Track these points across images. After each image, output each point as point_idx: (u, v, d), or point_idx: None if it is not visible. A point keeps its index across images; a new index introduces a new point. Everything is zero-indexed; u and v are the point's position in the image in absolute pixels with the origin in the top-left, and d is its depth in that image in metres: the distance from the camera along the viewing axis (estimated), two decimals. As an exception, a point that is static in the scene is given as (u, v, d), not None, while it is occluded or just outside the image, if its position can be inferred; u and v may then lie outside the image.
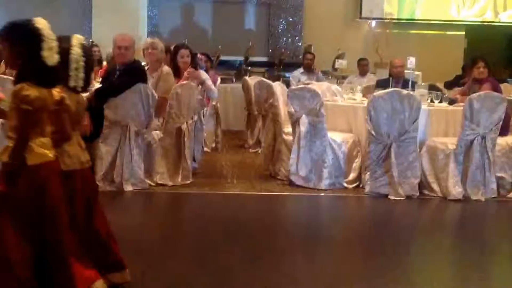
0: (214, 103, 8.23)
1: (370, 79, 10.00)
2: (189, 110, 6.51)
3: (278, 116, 6.90)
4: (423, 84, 7.62)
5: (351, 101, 7.18)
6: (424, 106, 6.43)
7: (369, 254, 4.60)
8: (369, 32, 12.66)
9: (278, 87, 7.38)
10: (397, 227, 5.40)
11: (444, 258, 4.69)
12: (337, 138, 6.52)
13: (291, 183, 6.47)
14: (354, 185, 6.49)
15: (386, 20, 12.36)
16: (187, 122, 6.45)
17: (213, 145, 8.42)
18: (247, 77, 9.64)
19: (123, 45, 6.09)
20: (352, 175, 6.53)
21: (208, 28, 13.83)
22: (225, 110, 9.81)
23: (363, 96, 7.36)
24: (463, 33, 13.99)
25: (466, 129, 6.11)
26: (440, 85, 10.54)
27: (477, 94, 6.26)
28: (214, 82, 7.95)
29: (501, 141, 6.41)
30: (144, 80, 6.09)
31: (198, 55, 8.03)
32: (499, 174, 6.34)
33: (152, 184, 6.21)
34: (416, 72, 10.56)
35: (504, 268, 4.54)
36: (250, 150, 8.58)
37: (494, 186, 6.25)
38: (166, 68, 6.66)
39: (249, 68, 11.65)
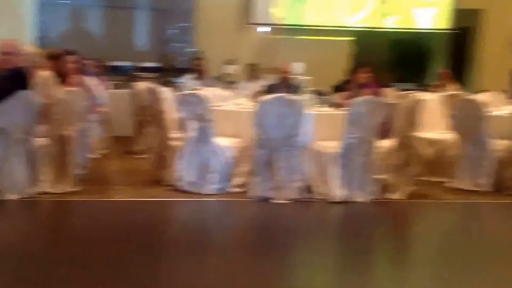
0: (102, 109, 8.05)
1: (260, 84, 10.07)
2: (74, 116, 6.33)
3: (165, 121, 6.83)
4: (310, 89, 7.75)
5: (240, 106, 7.20)
6: (309, 111, 6.55)
7: (253, 257, 4.59)
8: (260, 38, 12.77)
9: (167, 92, 7.30)
10: (282, 231, 5.42)
11: (325, 259, 4.74)
12: (225, 143, 6.53)
13: (179, 189, 6.41)
14: (241, 189, 6.49)
15: (276, 26, 12.49)
16: (72, 129, 6.27)
17: (102, 151, 8.24)
18: (137, 83, 9.49)
19: (6, 50, 5.98)
20: (239, 180, 6.53)
21: (99, 33, 13.53)
22: (114, 116, 9.60)
23: (252, 101, 7.41)
24: (350, 38, 14.37)
25: (349, 133, 6.25)
26: (328, 89, 10.80)
27: (359, 99, 6.42)
28: (103, 88, 7.79)
29: (383, 143, 6.61)
30: (27, 86, 5.92)
31: (87, 61, 7.85)
32: (380, 176, 6.52)
33: (37, 192, 5.99)
34: (305, 77, 10.76)
35: (385, 269, 4.63)
36: (139, 156, 8.44)
37: (375, 188, 6.42)
38: (44, 73, 6.48)
39: (140, 73, 11.48)
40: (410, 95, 8.18)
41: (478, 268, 4.55)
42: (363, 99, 6.38)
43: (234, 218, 6.00)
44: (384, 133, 6.68)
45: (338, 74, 11.73)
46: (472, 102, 7.28)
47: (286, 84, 8.08)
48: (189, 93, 6.80)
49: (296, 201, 6.20)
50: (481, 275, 4.37)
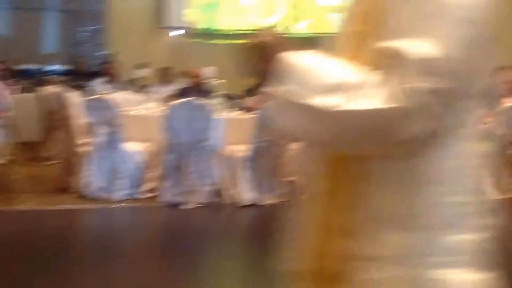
0: (6, 114, 7.76)
1: (173, 88, 9.99)
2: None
3: (72, 127, 6.67)
4: (221, 93, 7.72)
5: (151, 110, 7.11)
6: (219, 115, 6.55)
7: (164, 264, 4.55)
8: (173, 41, 12.67)
9: (74, 97, 7.12)
10: (192, 236, 5.40)
11: (235, 263, 4.77)
12: (135, 148, 6.43)
13: (87, 196, 6.27)
14: (151, 195, 6.40)
15: (189, 30, 12.42)
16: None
17: (6, 158, 7.93)
18: (44, 87, 9.21)
19: None
20: (149, 185, 6.45)
21: (5, 35, 13.06)
22: (21, 121, 9.27)
23: (163, 105, 7.32)
24: (263, 43, 14.48)
25: (257, 137, 6.27)
26: (240, 93, 10.83)
27: (268, 102, 6.45)
28: (8, 92, 7.51)
29: (292, 146, 6.67)
30: None
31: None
32: (290, 179, 6.58)
33: None
34: (218, 81, 10.74)
35: None
36: (47, 163, 8.19)
37: (284, 190, 6.48)
38: None
39: (48, 77, 11.15)
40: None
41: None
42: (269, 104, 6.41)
43: (144, 224, 5.93)
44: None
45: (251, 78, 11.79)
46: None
47: (197, 88, 8.03)
48: (97, 98, 6.67)
49: (206, 205, 6.17)
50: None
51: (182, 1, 13.57)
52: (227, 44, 13.99)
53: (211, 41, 13.83)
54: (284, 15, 14.53)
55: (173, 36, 12.75)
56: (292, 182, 6.57)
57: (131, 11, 13.16)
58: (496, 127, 6.91)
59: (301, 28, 14.75)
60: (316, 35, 15.42)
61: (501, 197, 6.90)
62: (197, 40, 12.71)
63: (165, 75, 10.83)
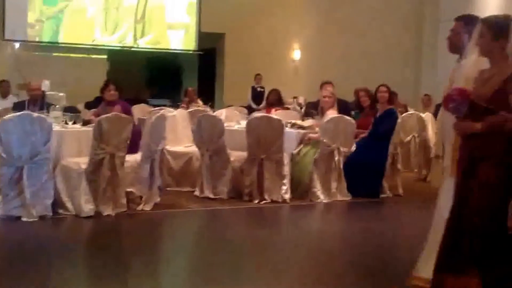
0: None
1: (12, 101, 9.44)
2: None
3: None
4: (61, 105, 7.35)
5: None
6: (57, 128, 6.25)
7: (1, 276, 4.23)
8: (13, 54, 11.97)
9: None
10: (32, 249, 5.05)
11: (78, 273, 4.57)
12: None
13: None
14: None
15: (29, 43, 11.80)
16: None
17: None
18: None
19: None
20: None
21: None
22: None
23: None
24: (105, 56, 14.13)
25: (96, 149, 6.06)
26: (82, 106, 10.48)
27: (105, 115, 6.25)
28: None
29: (131, 158, 6.51)
30: None
31: None
32: (129, 189, 6.42)
33: None
34: (60, 94, 10.29)
35: (140, 278, 4.50)
36: None
37: (124, 200, 6.29)
38: None
39: None
40: (158, 111, 8.23)
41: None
42: (109, 116, 6.23)
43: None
44: (133, 148, 6.60)
45: (92, 91, 11.42)
46: (210, 117, 7.51)
47: (36, 102, 7.62)
48: None
49: (45, 217, 5.86)
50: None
51: (25, 14, 12.91)
52: (71, 57, 13.52)
53: (55, 54, 13.28)
54: (126, 30, 14.29)
55: (16, 48, 12.04)
56: (130, 193, 6.42)
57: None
58: (322, 136, 7.24)
59: (144, 43, 14.60)
60: (157, 50, 15.34)
61: (328, 200, 7.24)
62: (39, 53, 12.11)
63: (4, 87, 10.26)
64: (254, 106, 12.97)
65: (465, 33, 3.78)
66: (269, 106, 11.05)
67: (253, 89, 13.78)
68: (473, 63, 3.59)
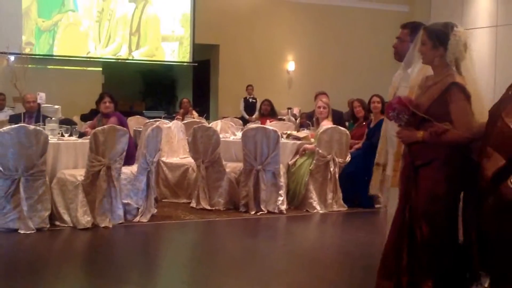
0: None
1: (7, 114, 9.47)
2: None
3: None
4: (54, 118, 7.36)
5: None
6: (53, 140, 6.27)
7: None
8: (7, 67, 11.99)
9: None
10: (28, 262, 5.07)
11: (75, 285, 4.58)
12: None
13: None
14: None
15: (23, 55, 11.83)
16: None
17: None
18: None
19: None
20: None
21: None
22: None
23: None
24: (100, 69, 14.15)
25: (92, 161, 6.08)
26: (78, 118, 10.50)
27: (101, 127, 6.28)
28: None
29: (126, 170, 6.53)
30: None
31: None
32: (125, 201, 6.44)
33: None
34: (56, 106, 10.34)
35: None
36: None
37: (121, 212, 6.32)
38: None
39: None
40: (153, 123, 8.26)
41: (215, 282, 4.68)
42: (105, 128, 6.26)
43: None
44: (129, 159, 6.62)
45: (88, 103, 11.46)
46: (206, 128, 7.53)
47: (31, 114, 7.65)
48: None
49: (42, 230, 5.87)
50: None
51: (19, 26, 12.94)
52: (66, 70, 13.54)
53: (50, 67, 13.30)
54: (121, 42, 14.32)
55: (11, 61, 12.07)
56: (127, 204, 6.44)
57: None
58: (318, 146, 7.27)
59: (138, 55, 14.63)
60: (152, 62, 15.38)
61: (324, 211, 7.26)
62: (34, 65, 12.13)
63: (0, 101, 10.25)
64: (246, 117, 13.03)
65: (411, 41, 3.75)
66: (262, 116, 11.09)
67: (245, 100, 13.87)
68: (419, 71, 3.58)
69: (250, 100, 13.81)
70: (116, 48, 14.31)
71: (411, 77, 3.69)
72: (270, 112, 11.43)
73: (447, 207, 3.26)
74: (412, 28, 3.88)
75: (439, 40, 3.34)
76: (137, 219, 6.46)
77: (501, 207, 2.99)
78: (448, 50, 3.31)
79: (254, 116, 12.77)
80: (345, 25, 15.63)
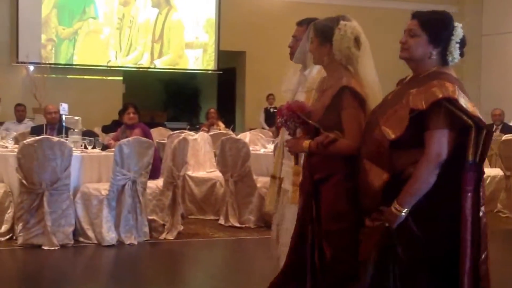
0: None
1: (28, 126, 9.66)
2: None
3: None
4: (76, 130, 7.51)
5: (2, 149, 6.81)
6: (76, 153, 6.39)
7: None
8: (27, 77, 12.25)
9: None
10: (52, 279, 5.21)
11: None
12: (-13, 189, 6.13)
13: None
14: (7, 237, 6.14)
15: (43, 65, 12.07)
16: None
17: None
18: None
19: None
20: (4, 227, 6.17)
21: None
22: None
23: (16, 143, 7.04)
24: (121, 78, 14.34)
25: (117, 174, 6.18)
26: (98, 130, 10.66)
27: (126, 139, 6.39)
28: None
29: (152, 184, 6.63)
30: None
31: None
32: (150, 217, 6.53)
33: None
34: (76, 117, 10.51)
35: None
36: None
37: (146, 229, 6.40)
38: None
39: None
40: (179, 134, 8.35)
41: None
42: (130, 140, 6.36)
43: (0, 268, 5.62)
44: (154, 173, 6.72)
45: (109, 114, 11.64)
46: (234, 140, 7.59)
47: (53, 125, 7.80)
48: None
49: (66, 246, 6.00)
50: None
51: (39, 36, 13.21)
52: (85, 79, 13.76)
53: (69, 76, 13.54)
54: (143, 51, 14.51)
55: (31, 71, 12.32)
56: (152, 221, 6.53)
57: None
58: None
59: (161, 64, 14.79)
60: (176, 71, 15.54)
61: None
62: (54, 75, 12.36)
63: (20, 112, 10.49)
64: (266, 128, 13.06)
65: None
66: (279, 127, 11.03)
67: (266, 110, 13.91)
68: (317, 72, 3.43)
69: (271, 110, 13.86)
70: (137, 56, 14.50)
71: (308, 80, 3.54)
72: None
73: (351, 226, 3.03)
74: (309, 24, 3.49)
75: (325, 36, 3.16)
76: (163, 236, 6.54)
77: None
78: (333, 47, 3.12)
79: (274, 127, 12.63)
80: (386, 29, 15.52)
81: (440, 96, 2.74)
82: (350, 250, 3.00)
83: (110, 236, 6.11)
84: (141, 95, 15.56)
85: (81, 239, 6.19)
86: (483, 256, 2.80)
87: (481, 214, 2.80)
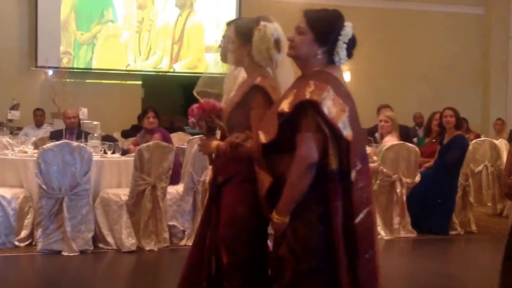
0: None
1: (47, 131, 9.77)
2: None
3: None
4: (96, 135, 7.59)
5: (22, 154, 6.90)
6: (96, 158, 6.45)
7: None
8: (46, 82, 12.39)
9: None
10: (71, 284, 5.26)
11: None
12: (7, 194, 6.21)
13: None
14: (26, 243, 6.22)
15: (62, 69, 12.21)
16: None
17: None
18: None
19: None
20: (24, 233, 6.24)
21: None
22: None
23: (35, 148, 7.13)
24: (140, 82, 14.44)
25: (137, 179, 6.22)
26: (118, 134, 10.74)
27: (146, 144, 6.43)
28: None
29: (172, 189, 6.67)
30: None
31: None
32: (171, 223, 6.56)
33: None
34: (94, 122, 10.61)
35: None
36: None
37: (166, 235, 6.44)
38: None
39: None
40: (199, 139, 8.37)
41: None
42: (150, 145, 6.40)
43: (20, 274, 5.71)
44: (174, 178, 6.76)
45: (128, 118, 11.71)
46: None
47: (72, 130, 7.89)
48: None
49: (86, 252, 6.05)
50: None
51: (58, 40, 13.35)
52: (104, 84, 13.88)
53: (88, 81, 13.66)
54: (162, 55, 14.60)
55: (49, 75, 12.47)
56: (172, 227, 6.56)
57: (3, 51, 12.76)
58: (381, 165, 7.24)
59: (180, 68, 14.87)
60: (194, 75, 15.60)
61: (390, 237, 7.21)
62: (72, 80, 12.50)
63: (39, 116, 10.61)
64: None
65: None
66: None
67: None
68: (238, 72, 3.38)
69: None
70: (156, 60, 14.59)
71: (237, 81, 3.44)
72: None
73: (249, 231, 2.97)
74: None
75: (245, 36, 3.16)
76: (183, 242, 6.57)
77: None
78: (253, 48, 3.10)
79: None
80: (408, 30, 15.51)
81: (304, 98, 2.70)
82: (248, 258, 2.96)
83: (129, 242, 6.16)
84: (160, 99, 15.61)
85: (101, 245, 6.24)
86: (365, 256, 2.77)
87: (358, 220, 2.75)
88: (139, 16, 14.29)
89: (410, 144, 7.57)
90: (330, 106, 2.70)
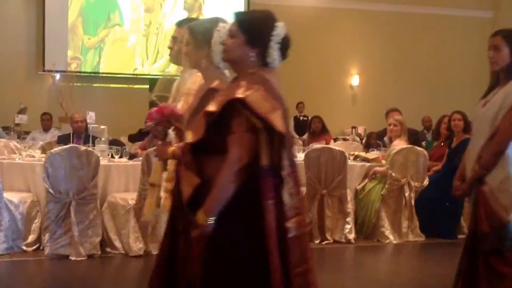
0: None
1: (54, 135, 9.83)
2: None
3: None
4: (103, 139, 7.63)
5: (29, 158, 6.94)
6: (104, 162, 6.48)
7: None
8: (53, 86, 12.47)
9: None
10: (80, 287, 5.29)
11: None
12: (14, 198, 6.24)
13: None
14: (34, 247, 6.26)
15: (69, 73, 12.28)
16: None
17: None
18: None
19: None
20: (31, 237, 6.28)
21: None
22: None
23: (42, 152, 7.18)
24: (147, 86, 14.48)
25: (144, 184, 6.14)
26: (125, 139, 10.78)
27: (153, 148, 6.42)
28: None
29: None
30: None
31: None
32: (180, 227, 6.58)
33: None
34: (102, 126, 10.64)
35: None
36: None
37: (173, 239, 6.46)
38: None
39: None
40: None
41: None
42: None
43: (28, 278, 5.73)
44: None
45: (134, 123, 11.75)
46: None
47: (80, 134, 7.94)
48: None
49: (93, 256, 6.09)
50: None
51: (66, 45, 13.43)
52: (111, 88, 13.95)
53: (95, 85, 13.73)
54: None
55: (57, 80, 12.54)
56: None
57: (9, 56, 12.85)
58: (390, 169, 7.25)
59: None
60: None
61: (398, 241, 7.21)
62: (80, 84, 12.57)
63: (46, 121, 10.66)
64: (296, 137, 13.03)
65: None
66: (312, 135, 10.99)
67: (296, 118, 13.91)
68: (195, 76, 3.35)
69: (301, 118, 13.87)
70: (164, 64, 14.64)
71: (186, 83, 3.44)
72: (321, 130, 11.39)
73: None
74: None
75: (203, 38, 3.13)
76: (191, 247, 6.58)
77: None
78: (212, 50, 3.05)
79: (305, 136, 12.42)
80: (418, 33, 15.55)
81: (232, 97, 2.68)
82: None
83: (137, 246, 6.19)
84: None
85: (108, 249, 6.28)
86: (298, 269, 2.71)
87: (289, 225, 2.71)
88: (147, 19, 14.35)
89: (419, 148, 7.60)
90: (259, 101, 2.68)
